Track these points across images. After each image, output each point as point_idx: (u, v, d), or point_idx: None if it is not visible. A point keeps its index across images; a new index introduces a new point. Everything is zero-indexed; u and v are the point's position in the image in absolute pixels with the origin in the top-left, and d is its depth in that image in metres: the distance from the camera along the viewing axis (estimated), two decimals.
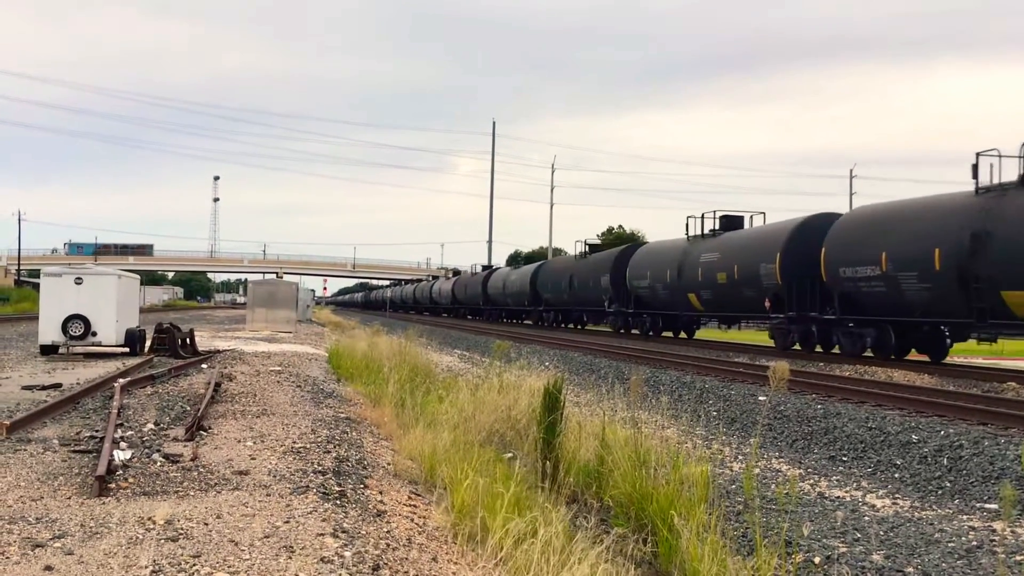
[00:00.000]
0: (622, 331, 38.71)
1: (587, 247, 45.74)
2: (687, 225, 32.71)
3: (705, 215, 32.32)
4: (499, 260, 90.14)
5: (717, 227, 31.63)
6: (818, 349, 24.60)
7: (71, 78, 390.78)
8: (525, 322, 58.47)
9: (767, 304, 25.82)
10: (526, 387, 11.33)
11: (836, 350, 23.71)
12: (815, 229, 24.63)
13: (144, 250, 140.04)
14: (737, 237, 29.87)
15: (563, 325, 50.38)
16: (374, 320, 56.83)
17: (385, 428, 10.37)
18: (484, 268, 75.96)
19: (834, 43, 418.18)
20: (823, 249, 23.23)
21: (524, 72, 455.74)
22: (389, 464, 8.27)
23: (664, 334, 35.69)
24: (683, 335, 36.02)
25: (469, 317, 71.66)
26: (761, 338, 35.56)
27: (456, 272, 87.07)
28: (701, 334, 38.68)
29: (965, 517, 8.51)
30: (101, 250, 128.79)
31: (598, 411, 11.32)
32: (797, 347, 25.34)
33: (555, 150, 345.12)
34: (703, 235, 31.98)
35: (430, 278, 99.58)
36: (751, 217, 31.67)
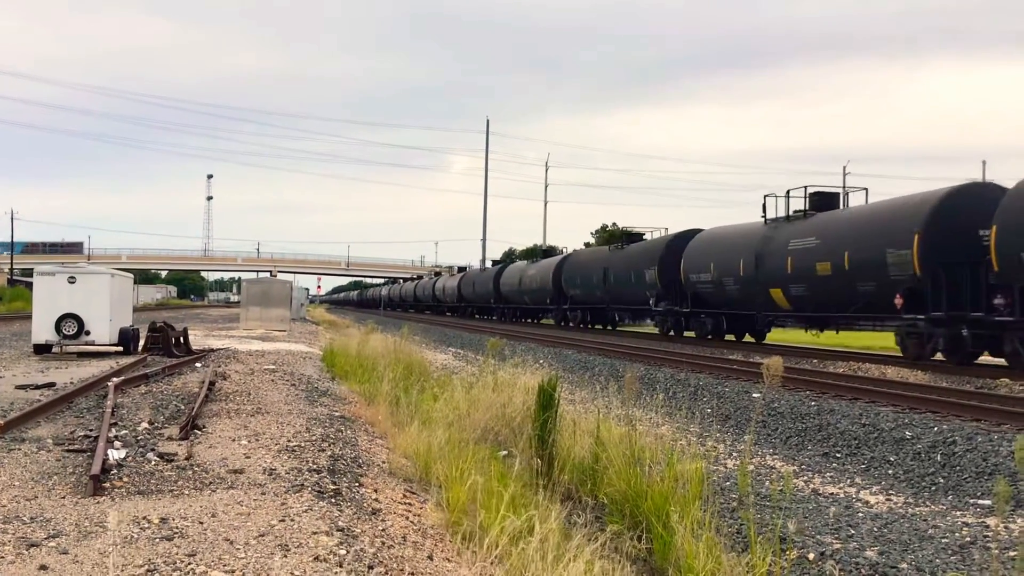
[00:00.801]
0: (671, 333, 33.19)
1: (624, 236, 40.21)
2: (764, 205, 27.04)
3: (791, 192, 26.16)
4: (494, 258, 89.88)
5: (807, 206, 25.44)
6: (987, 358, 19.27)
7: (65, 77, 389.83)
8: (543, 321, 53.59)
9: (898, 301, 19.85)
10: (520, 385, 11.33)
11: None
12: (973, 201, 19.07)
13: (74, 248, 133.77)
14: (842, 217, 23.84)
15: (591, 326, 43.78)
16: (368, 318, 56.61)
17: (380, 426, 10.37)
18: (495, 263, 74.86)
19: (828, 40, 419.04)
20: (994, 227, 17.27)
21: (519, 70, 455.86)
22: (384, 462, 8.28)
23: (727, 337, 29.89)
24: (749, 339, 29.83)
25: (477, 316, 68.54)
26: (864, 341, 30.41)
27: (461, 268, 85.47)
28: (778, 336, 32.06)
29: (959, 513, 8.53)
30: (29, 248, 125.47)
31: (593, 408, 11.33)
32: (939, 356, 19.72)
33: (550, 148, 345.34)
34: (789, 217, 25.84)
35: (432, 274, 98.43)
36: (846, 194, 25.64)
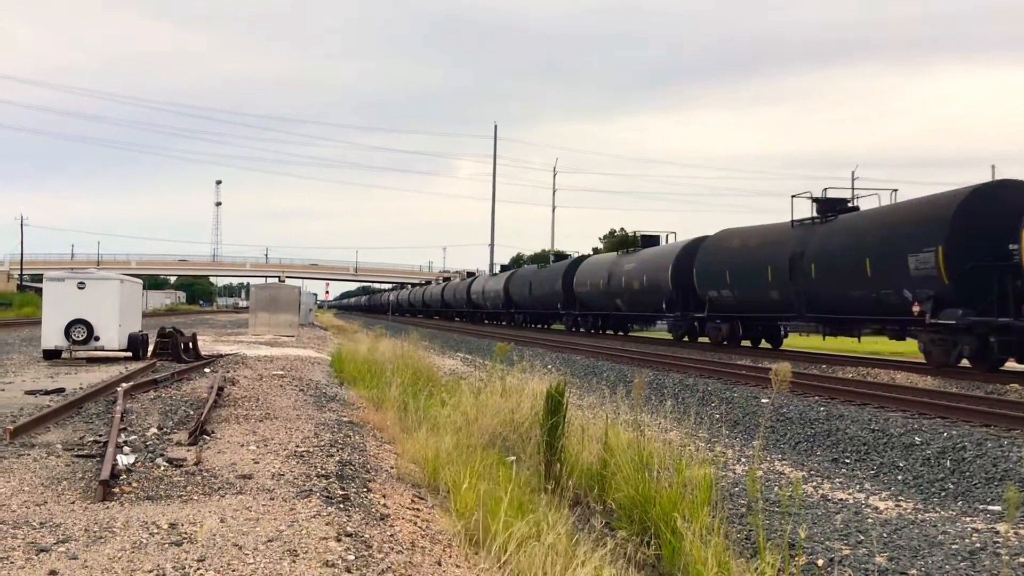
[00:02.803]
0: (685, 338, 34.15)
1: (641, 239, 39.08)
2: (793, 205, 26.15)
3: (808, 196, 25.73)
4: (502, 262, 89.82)
5: (816, 212, 25.30)
6: (1013, 364, 18.85)
7: (74, 83, 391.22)
8: (554, 327, 53.40)
9: (915, 309, 19.29)
10: (528, 390, 11.33)
11: None
12: (996, 202, 18.33)
13: None
14: (860, 218, 23.46)
15: (602, 331, 43.50)
16: (377, 324, 56.61)
17: (388, 432, 10.38)
18: (504, 268, 74.39)
19: (835, 45, 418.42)
20: None
21: (527, 75, 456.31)
22: (392, 468, 8.28)
23: (743, 342, 29.85)
24: (765, 344, 29.87)
25: (487, 321, 68.23)
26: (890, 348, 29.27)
27: (471, 274, 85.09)
28: (797, 344, 32.64)
29: (968, 519, 8.50)
30: None
31: (601, 414, 11.32)
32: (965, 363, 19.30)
33: (557, 153, 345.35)
34: (816, 220, 24.85)
35: (440, 280, 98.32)
36: (853, 199, 25.76)
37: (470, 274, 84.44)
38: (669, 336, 37.06)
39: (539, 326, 54.86)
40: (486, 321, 66.78)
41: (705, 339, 32.05)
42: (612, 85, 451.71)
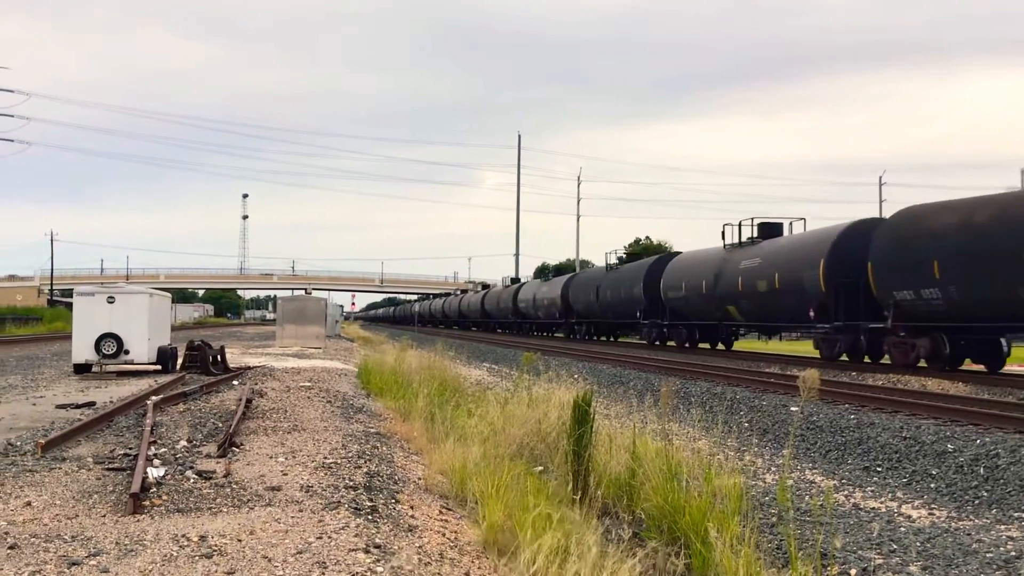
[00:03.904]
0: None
1: (757, 228, 30.76)
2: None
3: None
4: (526, 273, 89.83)
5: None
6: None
7: (102, 99, 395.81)
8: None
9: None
10: (555, 400, 11.29)
11: None
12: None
13: None
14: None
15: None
16: (402, 335, 56.57)
17: (415, 442, 10.38)
18: (536, 275, 74.54)
19: (860, 50, 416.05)
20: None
21: (550, 84, 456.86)
22: (420, 479, 8.28)
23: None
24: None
25: (498, 331, 67.68)
26: None
27: (485, 286, 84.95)
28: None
29: (1003, 527, 8.38)
30: None
31: (628, 423, 11.27)
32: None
33: (581, 162, 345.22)
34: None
35: (458, 292, 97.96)
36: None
37: (485, 286, 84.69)
38: (815, 354, 27.66)
39: (605, 338, 48.21)
40: (536, 333, 60.83)
41: (886, 360, 23.38)
42: (636, 93, 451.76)
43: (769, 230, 30.76)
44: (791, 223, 30.61)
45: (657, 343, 38.46)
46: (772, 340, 40.18)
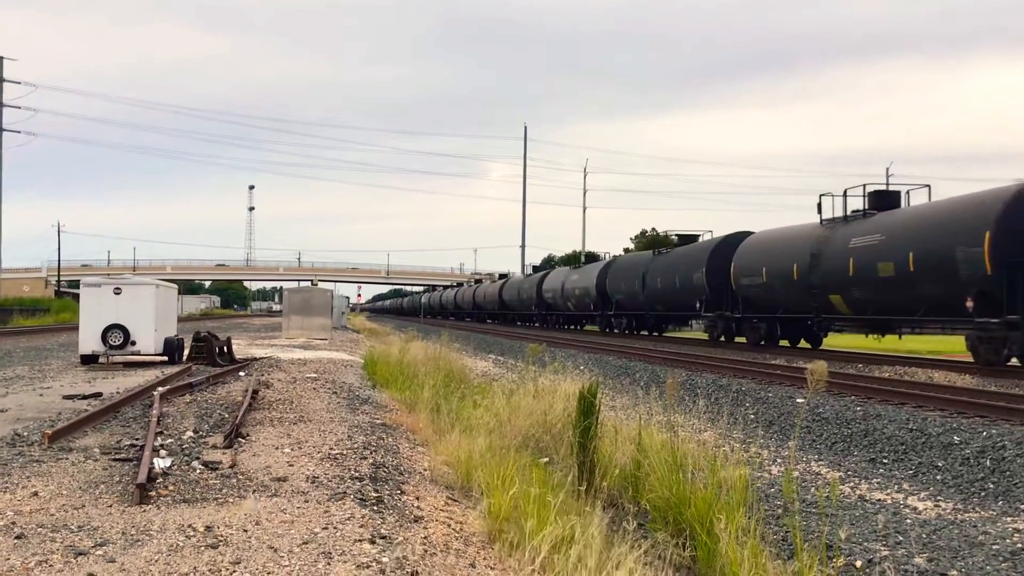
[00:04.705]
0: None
1: (679, 238, 33.22)
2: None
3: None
4: (533, 264, 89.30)
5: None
6: None
7: (109, 91, 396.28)
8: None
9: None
10: (561, 392, 11.31)
11: None
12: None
13: None
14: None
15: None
16: (409, 326, 56.34)
17: (421, 434, 10.39)
18: (536, 268, 69.67)
19: (870, 41, 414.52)
20: None
21: (556, 75, 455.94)
22: (425, 469, 8.29)
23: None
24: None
25: (518, 323, 63.36)
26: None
27: (503, 275, 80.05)
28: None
29: (1009, 519, 8.37)
30: None
31: (634, 415, 11.27)
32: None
33: (588, 153, 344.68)
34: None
35: (472, 282, 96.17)
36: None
37: (503, 275, 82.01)
38: (964, 355, 21.79)
39: (647, 333, 42.05)
40: (563, 326, 55.54)
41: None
42: (643, 84, 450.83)
43: (885, 199, 24.54)
44: (908, 192, 24.51)
45: (606, 330, 36.23)
46: (885, 337, 26.52)
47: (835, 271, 24.01)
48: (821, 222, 26.06)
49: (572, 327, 53.67)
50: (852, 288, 23.51)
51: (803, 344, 28.96)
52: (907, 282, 21.13)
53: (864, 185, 24.82)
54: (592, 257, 54.12)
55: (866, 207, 24.48)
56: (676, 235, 37.38)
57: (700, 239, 36.62)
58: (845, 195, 25.03)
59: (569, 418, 9.58)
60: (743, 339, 30.59)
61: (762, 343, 28.88)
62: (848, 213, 25.06)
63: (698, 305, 32.92)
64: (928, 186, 23.85)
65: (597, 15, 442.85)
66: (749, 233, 31.31)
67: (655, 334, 40.80)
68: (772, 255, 27.81)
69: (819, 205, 25.99)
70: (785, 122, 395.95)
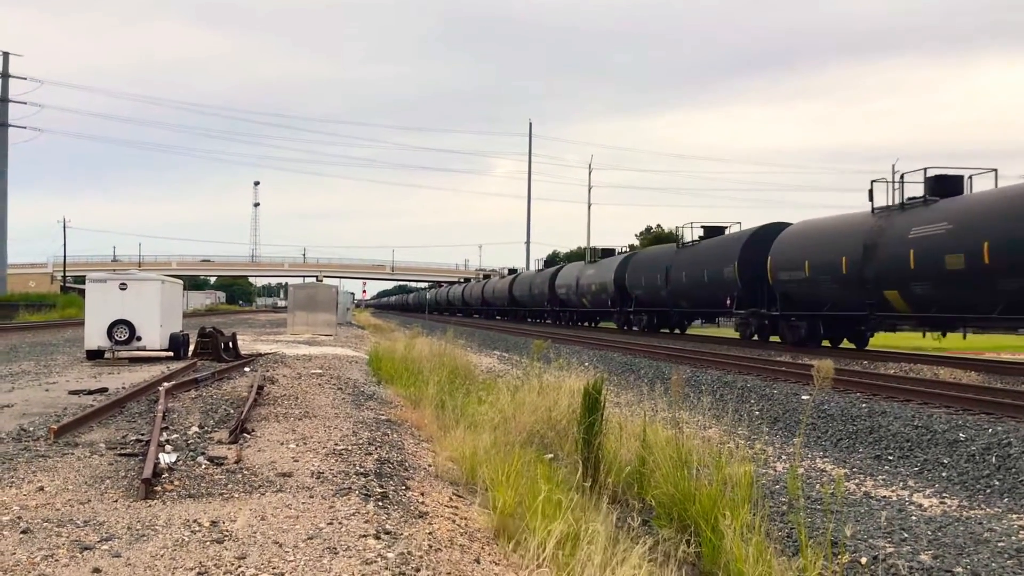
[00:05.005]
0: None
1: (926, 180, 22.13)
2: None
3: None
4: (537, 262, 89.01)
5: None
6: None
7: (114, 87, 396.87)
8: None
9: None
10: (566, 388, 11.30)
11: None
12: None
13: None
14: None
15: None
16: (414, 322, 56.08)
17: (426, 430, 10.40)
18: (547, 264, 67.58)
19: (874, 38, 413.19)
20: None
21: (562, 73, 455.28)
22: (430, 465, 8.29)
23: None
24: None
25: (529, 320, 61.02)
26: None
27: (512, 270, 76.09)
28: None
29: (1015, 516, 8.36)
30: None
31: (639, 411, 11.27)
32: None
33: (593, 150, 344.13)
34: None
35: (480, 277, 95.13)
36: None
37: (512, 271, 78.15)
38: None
39: (667, 330, 40.27)
40: (577, 323, 53.75)
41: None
42: (648, 82, 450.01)
43: (948, 185, 22.33)
44: (971, 177, 22.22)
45: (624, 328, 33.78)
46: (944, 335, 25.12)
47: (892, 264, 21.68)
48: (873, 210, 23.59)
49: (586, 324, 51.63)
50: (912, 283, 21.18)
51: (846, 344, 26.86)
52: (980, 275, 18.97)
53: (925, 169, 22.21)
54: (608, 251, 50.29)
55: (926, 193, 22.02)
56: (701, 227, 34.28)
57: (727, 231, 34.11)
58: (902, 179, 22.36)
59: (574, 414, 9.58)
60: (777, 338, 28.50)
61: (802, 343, 26.39)
62: (905, 200, 22.62)
63: (728, 301, 30.50)
64: (995, 170, 21.54)
65: (603, 12, 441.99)
66: (785, 224, 28.89)
67: (676, 331, 38.74)
68: (816, 247, 25.36)
69: (870, 192, 23.47)
70: (790, 119, 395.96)
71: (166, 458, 7.43)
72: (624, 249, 50.27)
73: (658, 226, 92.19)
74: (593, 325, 51.14)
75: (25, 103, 67.01)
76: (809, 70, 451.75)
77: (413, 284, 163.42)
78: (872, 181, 23.47)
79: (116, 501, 6.11)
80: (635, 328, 41.24)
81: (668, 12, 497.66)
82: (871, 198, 23.65)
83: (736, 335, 31.78)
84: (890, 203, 23.12)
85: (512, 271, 77.04)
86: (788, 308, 26.93)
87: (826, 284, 24.66)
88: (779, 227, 29.12)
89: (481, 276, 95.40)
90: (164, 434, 8.74)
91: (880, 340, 30.00)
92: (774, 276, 27.24)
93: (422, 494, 6.80)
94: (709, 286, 31.94)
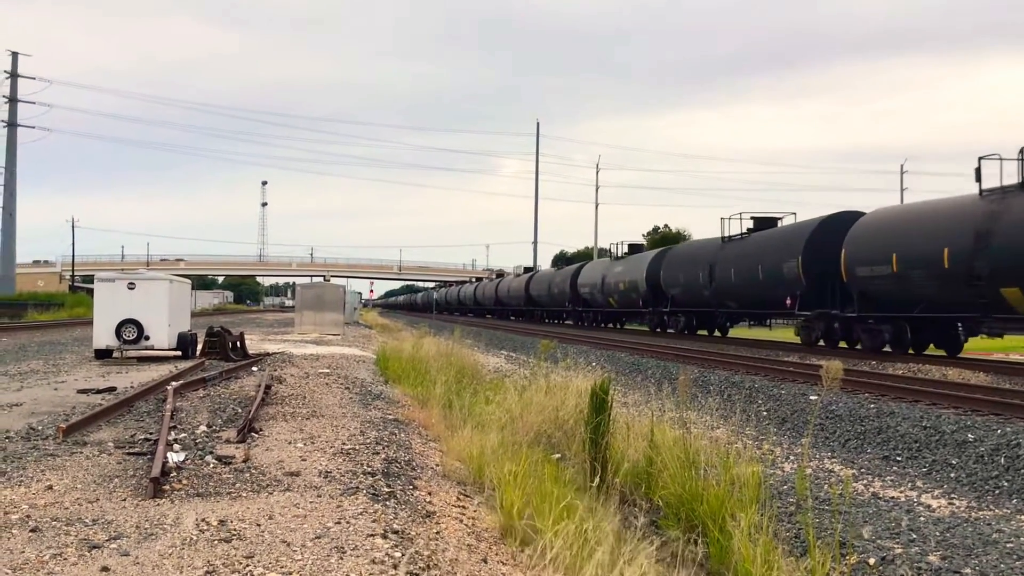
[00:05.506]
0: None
1: (754, 221, 23.08)
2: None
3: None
4: (543, 261, 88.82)
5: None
6: None
7: (123, 87, 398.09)
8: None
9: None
10: (573, 388, 11.30)
11: None
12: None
13: None
14: None
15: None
16: (421, 322, 56.01)
17: (433, 429, 10.40)
18: (561, 263, 66.47)
19: (881, 37, 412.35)
20: None
21: (568, 72, 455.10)
22: (437, 465, 8.30)
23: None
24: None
25: (547, 321, 58.37)
26: None
27: (528, 269, 73.12)
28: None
29: (1023, 517, 8.33)
30: None
31: (646, 411, 11.26)
32: None
33: (600, 150, 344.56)
34: None
35: (492, 276, 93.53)
36: None
37: (528, 269, 74.93)
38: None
39: (706, 332, 37.00)
40: (602, 324, 50.01)
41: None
42: (655, 81, 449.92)
43: (761, 223, 21.74)
44: None
45: (658, 330, 30.13)
46: None
47: (1014, 257, 18.04)
48: (981, 192, 19.85)
49: (613, 326, 47.93)
50: None
51: (932, 351, 23.16)
52: None
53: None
54: (636, 247, 46.84)
55: None
56: (751, 218, 30.53)
57: (780, 223, 30.85)
58: (1022, 155, 18.77)
59: (581, 414, 9.58)
60: (844, 344, 25.15)
61: (885, 349, 22.91)
62: None
63: (789, 301, 26.65)
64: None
65: (610, 11, 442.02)
66: (859, 213, 25.24)
67: (717, 334, 35.03)
68: (907, 238, 21.54)
69: (977, 171, 19.85)
70: (796, 118, 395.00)
71: (174, 457, 7.45)
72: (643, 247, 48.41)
73: (665, 226, 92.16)
74: (619, 327, 47.65)
75: (34, 103, 67.25)
76: (817, 69, 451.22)
77: (420, 284, 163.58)
78: (980, 158, 19.89)
79: (124, 500, 6.13)
80: (670, 330, 37.97)
81: (676, 10, 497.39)
82: (978, 178, 19.95)
83: (796, 339, 28.17)
84: (1006, 184, 19.08)
85: (528, 269, 73.49)
86: (867, 309, 23.24)
87: (920, 280, 20.98)
88: (852, 216, 25.52)
89: (494, 275, 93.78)
90: (172, 433, 8.76)
91: (972, 344, 25.60)
92: (850, 272, 23.43)
93: (429, 494, 6.81)
94: (764, 284, 28.07)
